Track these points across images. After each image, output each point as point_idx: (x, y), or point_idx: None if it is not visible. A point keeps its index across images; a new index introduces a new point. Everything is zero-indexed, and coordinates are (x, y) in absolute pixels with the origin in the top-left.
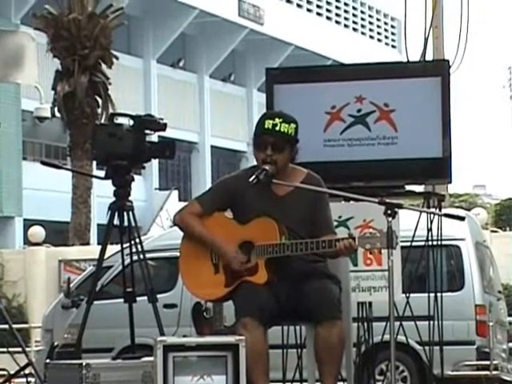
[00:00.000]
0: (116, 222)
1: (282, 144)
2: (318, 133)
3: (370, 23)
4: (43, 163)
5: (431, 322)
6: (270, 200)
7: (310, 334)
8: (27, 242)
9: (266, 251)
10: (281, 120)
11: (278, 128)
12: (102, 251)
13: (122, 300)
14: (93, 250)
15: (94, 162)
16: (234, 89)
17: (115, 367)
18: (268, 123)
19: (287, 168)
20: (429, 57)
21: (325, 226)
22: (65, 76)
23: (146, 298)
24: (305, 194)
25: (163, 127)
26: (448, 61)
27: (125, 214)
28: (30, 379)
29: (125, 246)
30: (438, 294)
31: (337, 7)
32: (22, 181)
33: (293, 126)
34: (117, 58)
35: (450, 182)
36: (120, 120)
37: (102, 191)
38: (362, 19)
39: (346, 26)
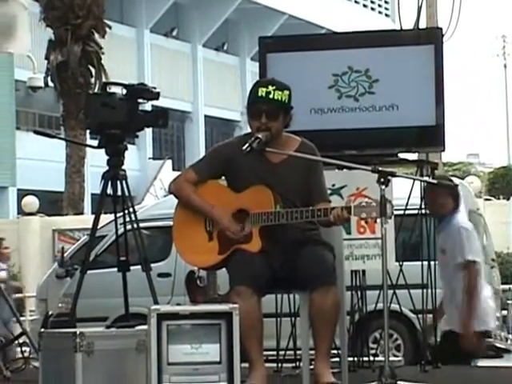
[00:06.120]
0: (109, 191)
1: (277, 111)
2: None
3: None
4: (36, 132)
5: (425, 290)
6: (264, 167)
7: (304, 303)
8: (21, 211)
9: (260, 219)
10: (274, 87)
11: (271, 96)
12: (96, 221)
13: (115, 269)
14: (86, 220)
15: (88, 132)
16: (228, 58)
17: (109, 336)
18: (261, 91)
19: (281, 136)
20: (422, 25)
21: (319, 194)
22: (58, 45)
23: (139, 267)
24: (299, 162)
25: (156, 96)
26: (441, 29)
27: (118, 183)
28: (24, 348)
29: (118, 215)
30: (432, 262)
31: None
32: (15, 150)
33: (286, 92)
34: (110, 28)
35: (444, 150)
36: (113, 89)
37: (96, 161)
38: None
39: None
